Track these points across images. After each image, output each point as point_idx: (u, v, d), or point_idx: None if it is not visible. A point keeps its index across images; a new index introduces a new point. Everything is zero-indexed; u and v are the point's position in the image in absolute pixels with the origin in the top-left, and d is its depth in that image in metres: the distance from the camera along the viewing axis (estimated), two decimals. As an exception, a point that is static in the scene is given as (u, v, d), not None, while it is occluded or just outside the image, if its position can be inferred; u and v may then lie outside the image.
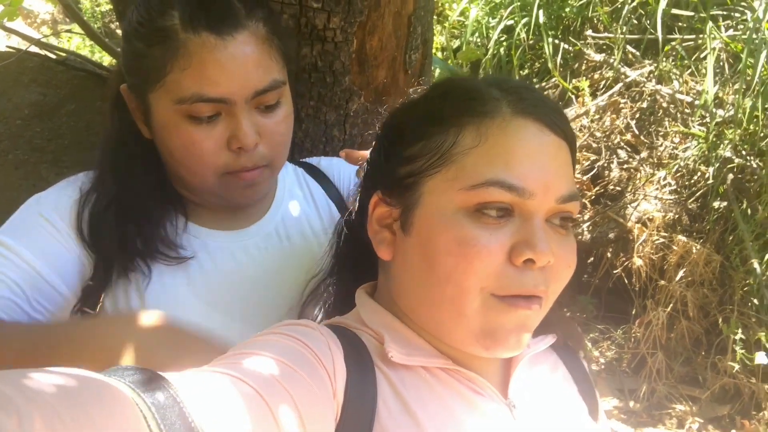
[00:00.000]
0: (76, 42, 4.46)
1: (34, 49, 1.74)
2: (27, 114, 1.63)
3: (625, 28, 2.98)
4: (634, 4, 2.94)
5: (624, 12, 2.99)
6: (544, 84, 3.38)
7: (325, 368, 0.58)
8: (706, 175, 2.53)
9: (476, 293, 0.61)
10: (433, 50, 3.04)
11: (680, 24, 2.95)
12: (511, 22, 3.35)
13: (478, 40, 3.53)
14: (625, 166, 2.81)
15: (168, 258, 0.87)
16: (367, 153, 0.86)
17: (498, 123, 0.63)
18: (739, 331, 2.22)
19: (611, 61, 3.00)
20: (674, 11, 2.79)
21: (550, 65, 3.12)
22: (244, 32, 0.83)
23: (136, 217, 0.89)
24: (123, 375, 0.43)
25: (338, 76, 1.29)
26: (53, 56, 1.73)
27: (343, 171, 1.10)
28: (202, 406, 0.44)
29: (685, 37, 2.85)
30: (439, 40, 3.58)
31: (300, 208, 1.04)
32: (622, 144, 2.87)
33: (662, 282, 2.44)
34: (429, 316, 0.66)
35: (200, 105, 0.82)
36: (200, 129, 0.84)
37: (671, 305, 2.40)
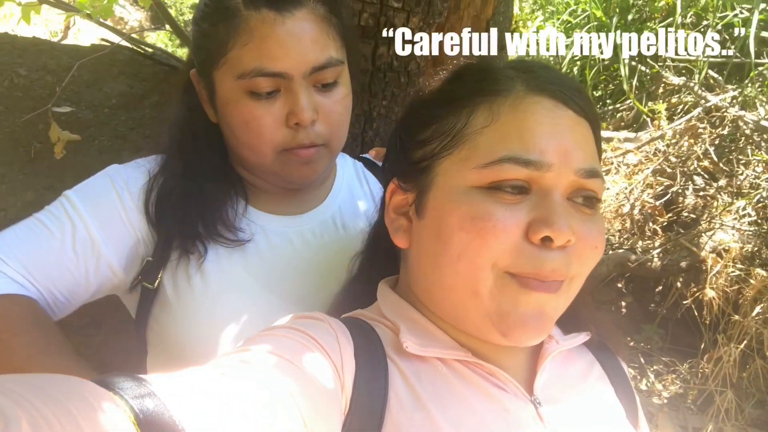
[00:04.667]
0: (162, 46, 4.71)
1: (125, 43, 1.83)
2: (114, 103, 1.71)
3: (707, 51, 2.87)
4: (719, 26, 2.83)
5: (707, 35, 2.88)
6: (618, 106, 3.29)
7: (332, 362, 0.57)
8: (791, 207, 2.39)
9: (489, 270, 0.59)
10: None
11: (769, 49, 2.81)
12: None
13: (552, 58, 3.48)
14: (701, 193, 2.68)
15: (227, 240, 0.89)
16: None
17: (510, 101, 0.61)
18: (821, 375, 2.06)
19: (691, 84, 2.89)
20: (764, 34, 2.67)
21: (625, 87, 3.03)
22: (303, 10, 0.86)
23: (198, 200, 0.91)
24: (113, 381, 0.42)
25: (413, 76, 1.29)
26: (141, 51, 1.82)
27: None
28: (194, 413, 0.43)
29: (775, 62, 2.72)
30: (511, 57, 3.56)
31: (357, 199, 1.05)
32: (699, 170, 2.75)
33: (736, 317, 2.31)
34: (444, 300, 0.64)
35: (260, 80, 0.85)
36: (260, 105, 0.86)
37: (745, 342, 2.26)
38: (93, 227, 0.86)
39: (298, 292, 0.91)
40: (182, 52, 4.29)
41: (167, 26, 2.01)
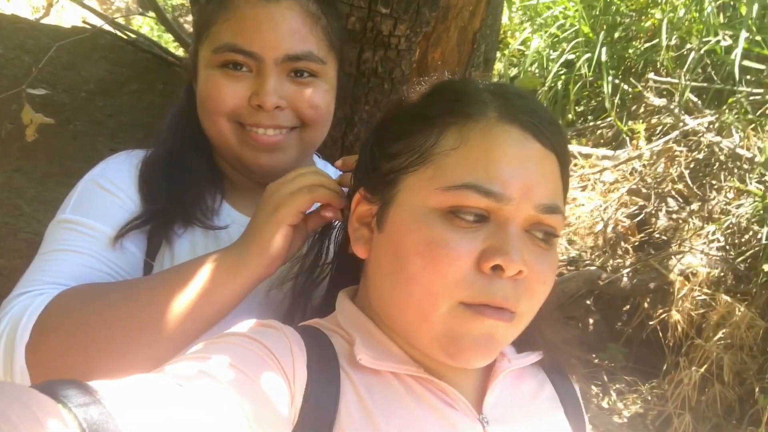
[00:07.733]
0: (145, 30, 4.63)
1: (107, 27, 1.80)
2: (92, 88, 1.68)
3: (689, 75, 2.92)
4: (702, 51, 2.88)
5: (690, 59, 2.93)
6: (599, 122, 3.33)
7: (284, 372, 0.57)
8: (759, 236, 2.44)
9: (443, 299, 0.59)
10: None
11: (749, 77, 2.87)
12: (573, 56, 3.32)
13: (537, 71, 3.51)
14: (674, 215, 2.73)
15: (204, 224, 0.90)
16: None
17: (481, 126, 0.61)
18: (777, 402, 2.11)
19: (671, 106, 2.94)
20: (746, 63, 2.72)
21: (607, 104, 3.07)
22: (291, 0, 0.88)
23: (182, 184, 0.91)
24: (58, 389, 0.41)
25: (396, 84, 1.28)
26: (124, 36, 1.78)
27: None
28: (140, 425, 0.43)
29: (753, 90, 2.77)
30: (497, 66, 3.57)
31: None
32: (673, 193, 2.80)
33: (699, 341, 2.35)
34: (397, 316, 0.64)
35: (230, 54, 0.86)
36: (226, 78, 0.88)
37: (705, 366, 2.30)
38: (100, 226, 0.84)
39: (263, 288, 0.91)
40: (166, 39, 4.22)
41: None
